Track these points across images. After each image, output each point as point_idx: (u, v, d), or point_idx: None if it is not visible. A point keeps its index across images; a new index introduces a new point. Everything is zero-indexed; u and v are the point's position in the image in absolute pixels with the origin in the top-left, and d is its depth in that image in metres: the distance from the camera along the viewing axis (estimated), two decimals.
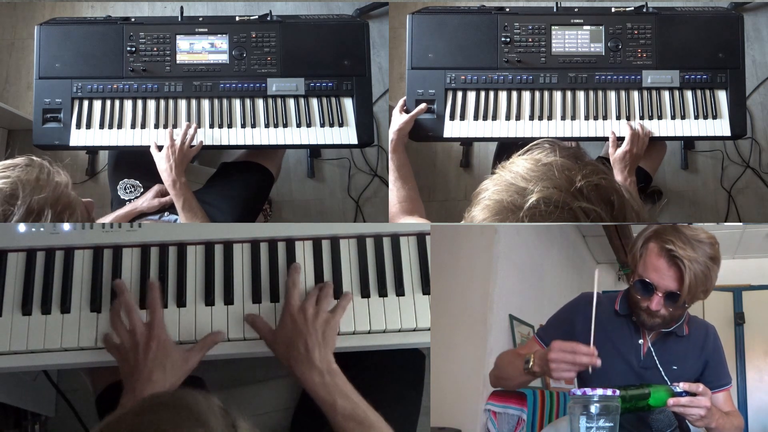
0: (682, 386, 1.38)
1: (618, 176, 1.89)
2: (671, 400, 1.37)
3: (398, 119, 1.97)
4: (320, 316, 1.41)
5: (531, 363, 1.44)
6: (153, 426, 0.84)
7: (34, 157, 1.42)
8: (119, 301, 1.44)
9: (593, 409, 1.24)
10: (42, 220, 1.35)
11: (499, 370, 1.64)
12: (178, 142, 1.89)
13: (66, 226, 1.50)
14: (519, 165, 1.17)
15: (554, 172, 1.12)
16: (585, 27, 2.03)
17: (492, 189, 1.16)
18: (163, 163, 1.89)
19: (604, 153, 2.67)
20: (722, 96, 2.03)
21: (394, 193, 1.89)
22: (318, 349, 1.36)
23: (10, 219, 1.33)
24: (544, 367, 1.41)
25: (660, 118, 2.00)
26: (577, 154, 1.18)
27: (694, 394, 1.38)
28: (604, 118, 2.00)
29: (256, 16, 2.03)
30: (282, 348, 1.39)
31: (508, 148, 2.11)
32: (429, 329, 1.52)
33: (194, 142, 1.93)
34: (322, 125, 2.01)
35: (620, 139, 1.93)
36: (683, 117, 2.01)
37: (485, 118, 2.01)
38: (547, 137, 1.98)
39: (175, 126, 1.96)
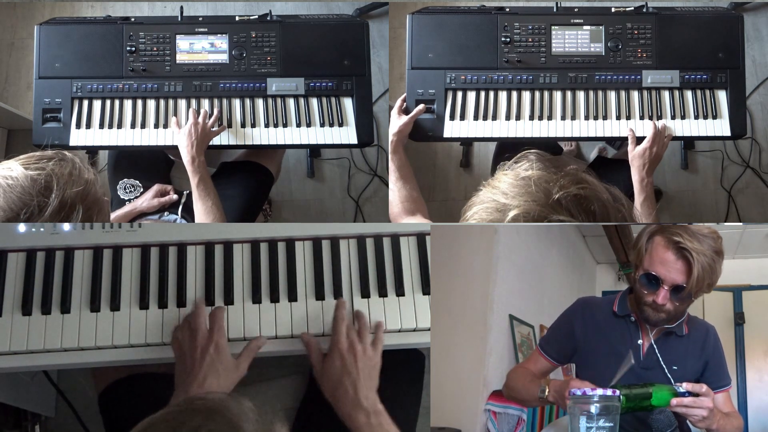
0: (685, 386, 1.38)
1: (635, 174, 1.89)
2: (674, 401, 1.36)
3: (397, 121, 1.96)
4: (367, 354, 1.41)
5: (546, 393, 1.46)
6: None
7: (66, 153, 1.42)
8: (196, 310, 1.44)
9: (593, 409, 1.25)
10: (73, 214, 1.35)
11: (511, 389, 1.65)
12: (201, 121, 1.89)
13: (66, 226, 1.50)
14: (500, 180, 1.22)
15: (532, 187, 1.17)
16: (585, 27, 2.03)
17: (475, 208, 1.21)
18: (184, 139, 1.87)
19: (598, 152, 2.68)
20: (722, 96, 2.03)
21: (396, 193, 1.89)
22: (365, 390, 1.36)
23: (45, 211, 1.32)
24: (558, 399, 1.43)
25: (660, 118, 1.99)
26: (558, 163, 1.21)
27: (697, 395, 1.37)
28: (604, 118, 2.00)
29: (256, 16, 2.03)
30: (329, 385, 1.39)
31: (508, 148, 2.12)
32: (429, 329, 1.52)
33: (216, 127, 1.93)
34: (322, 125, 2.01)
35: (640, 139, 1.93)
36: (683, 117, 2.01)
37: (485, 118, 2.01)
38: (547, 137, 2.00)
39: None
